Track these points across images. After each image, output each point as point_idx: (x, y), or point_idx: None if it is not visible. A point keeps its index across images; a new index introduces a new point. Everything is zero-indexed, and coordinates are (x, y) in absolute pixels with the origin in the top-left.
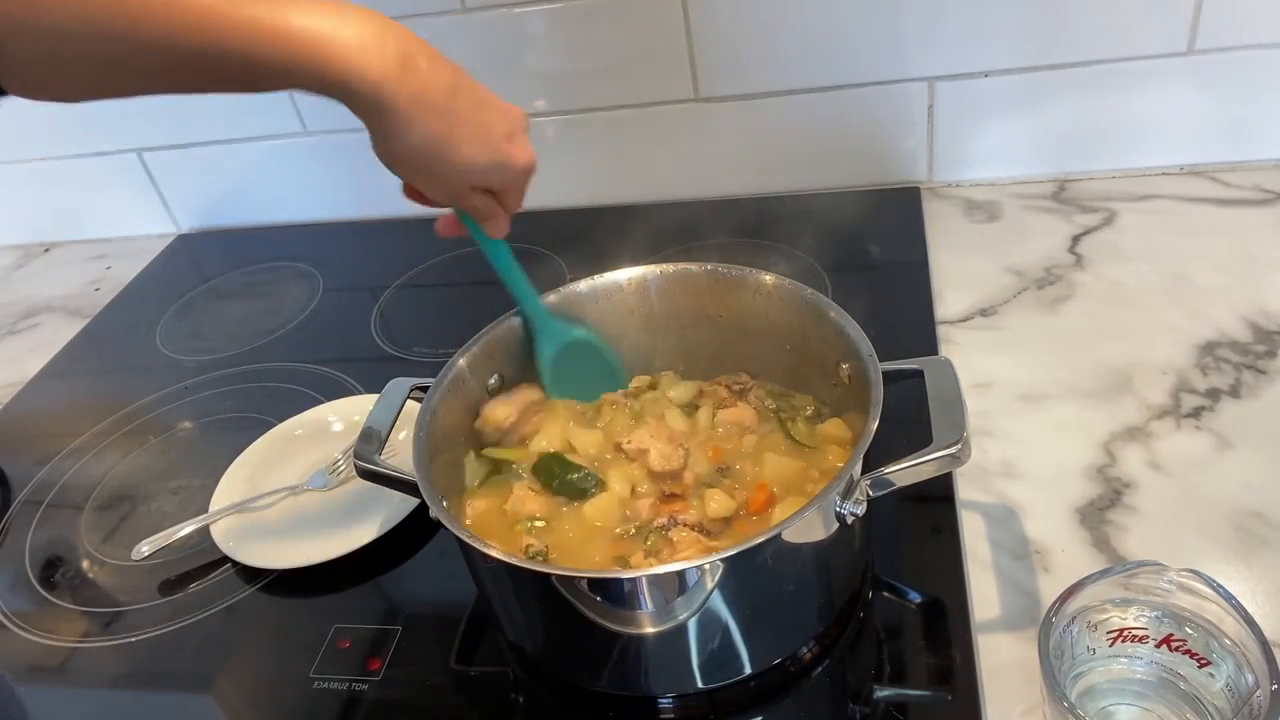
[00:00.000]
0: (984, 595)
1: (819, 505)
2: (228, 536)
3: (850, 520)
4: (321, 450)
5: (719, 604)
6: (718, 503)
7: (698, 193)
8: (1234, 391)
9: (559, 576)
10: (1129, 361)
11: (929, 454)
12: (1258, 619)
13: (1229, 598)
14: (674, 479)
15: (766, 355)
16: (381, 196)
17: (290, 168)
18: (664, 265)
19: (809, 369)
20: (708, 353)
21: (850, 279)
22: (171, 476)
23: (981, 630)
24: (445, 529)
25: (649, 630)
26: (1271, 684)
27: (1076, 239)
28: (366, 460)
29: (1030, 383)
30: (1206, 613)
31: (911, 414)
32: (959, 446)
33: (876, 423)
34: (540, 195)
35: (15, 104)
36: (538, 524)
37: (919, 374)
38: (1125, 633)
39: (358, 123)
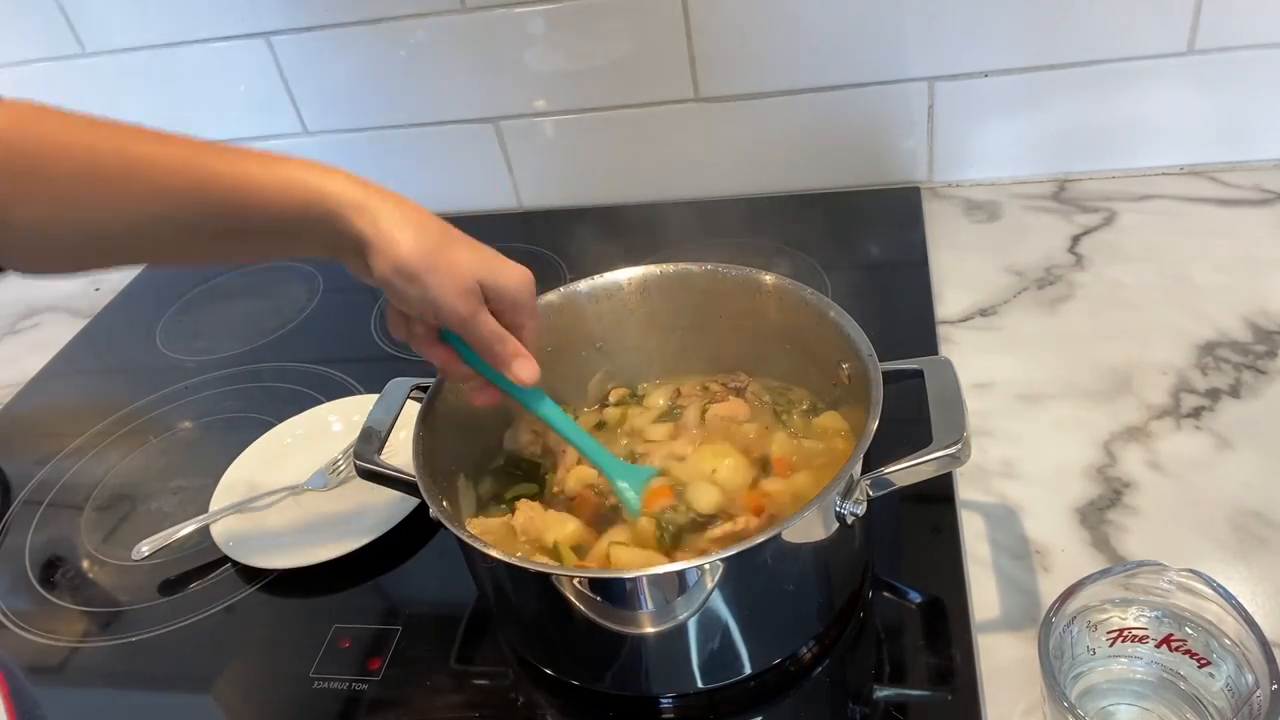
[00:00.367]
0: (984, 595)
1: (819, 505)
2: (228, 536)
3: (850, 520)
4: (321, 450)
5: (719, 604)
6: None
7: (698, 193)
8: (1234, 391)
9: (559, 576)
10: (1129, 361)
11: (929, 454)
12: (1258, 619)
13: (1229, 598)
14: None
15: (766, 355)
16: None
17: None
18: (664, 265)
19: (809, 369)
20: (708, 353)
21: (850, 279)
22: (171, 476)
23: (981, 630)
24: (445, 529)
25: (649, 630)
26: (1271, 684)
27: (1076, 239)
28: (366, 460)
29: (1030, 383)
30: (1206, 613)
31: (911, 414)
32: (959, 446)
33: (876, 423)
34: (540, 195)
35: None
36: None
37: (919, 374)
38: (1125, 633)
39: (358, 123)
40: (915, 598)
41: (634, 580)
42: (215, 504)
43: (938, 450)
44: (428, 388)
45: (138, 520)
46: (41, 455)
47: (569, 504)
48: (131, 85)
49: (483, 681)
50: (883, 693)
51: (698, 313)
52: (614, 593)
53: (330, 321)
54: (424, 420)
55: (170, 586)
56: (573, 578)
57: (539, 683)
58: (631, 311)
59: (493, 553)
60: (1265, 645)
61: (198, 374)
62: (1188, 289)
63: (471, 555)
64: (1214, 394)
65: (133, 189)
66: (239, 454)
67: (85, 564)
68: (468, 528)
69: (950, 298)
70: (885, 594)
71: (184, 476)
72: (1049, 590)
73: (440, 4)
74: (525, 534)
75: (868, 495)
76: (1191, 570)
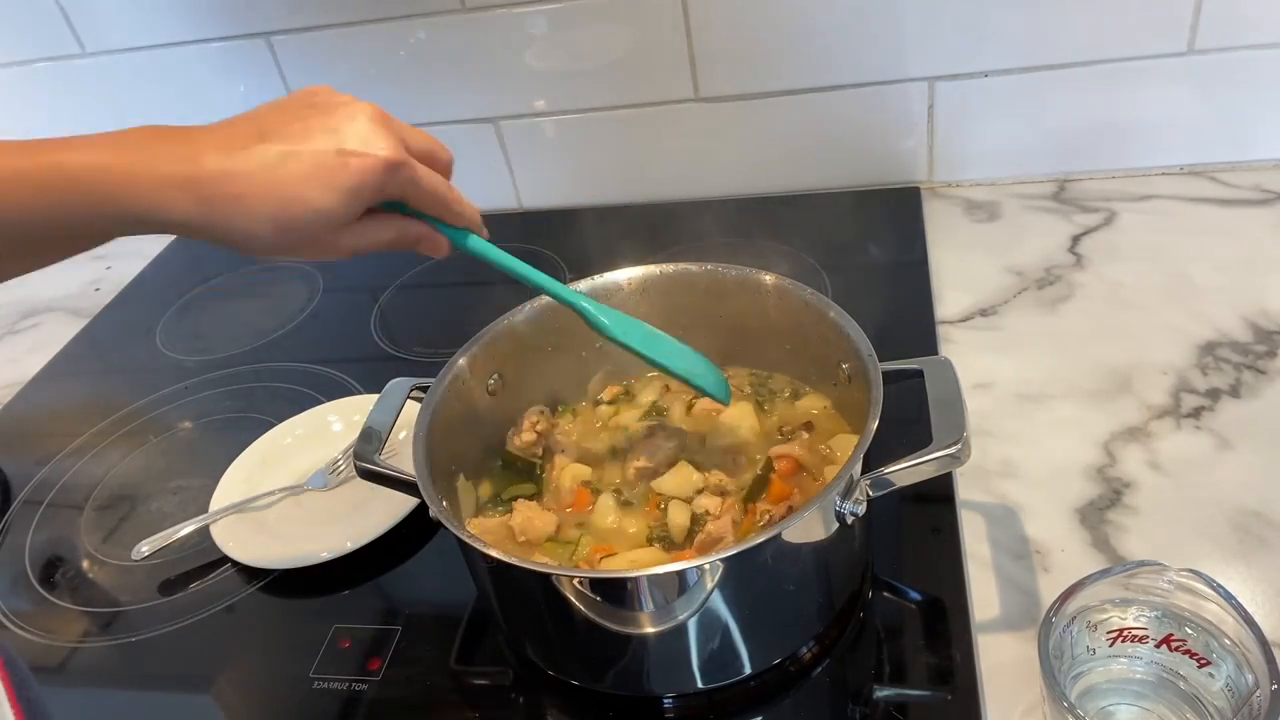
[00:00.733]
0: (984, 595)
1: (819, 505)
2: (228, 536)
3: (850, 520)
4: (321, 450)
5: (719, 604)
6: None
7: (698, 193)
8: (1234, 391)
9: (559, 576)
10: (1129, 361)
11: (929, 454)
12: (1258, 619)
13: (1229, 598)
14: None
15: (766, 355)
16: None
17: None
18: (664, 265)
19: (809, 369)
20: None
21: (850, 279)
22: (171, 476)
23: (981, 630)
24: (445, 529)
25: (649, 630)
26: (1271, 684)
27: (1076, 239)
28: (366, 460)
29: (1030, 383)
30: (1206, 613)
31: (911, 414)
32: (959, 446)
33: (876, 423)
34: (540, 195)
35: (13, 105)
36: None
37: (919, 374)
38: (1125, 633)
39: None
40: (915, 598)
41: (634, 580)
42: (215, 504)
43: (938, 450)
44: (428, 388)
45: (138, 520)
46: (41, 455)
47: (565, 499)
48: (131, 85)
49: (483, 681)
50: (883, 693)
51: (698, 313)
52: (614, 593)
53: (330, 321)
54: (424, 420)
55: (170, 586)
56: (573, 578)
57: (539, 683)
58: (631, 311)
59: (493, 553)
60: (1265, 645)
61: (198, 374)
62: (1188, 289)
63: (471, 555)
64: (1214, 394)
65: None
66: (239, 454)
67: (85, 564)
68: (468, 528)
69: (950, 298)
70: (885, 594)
71: (184, 476)
72: (1049, 590)
73: (440, 4)
74: (524, 534)
75: (868, 495)
76: (1191, 570)
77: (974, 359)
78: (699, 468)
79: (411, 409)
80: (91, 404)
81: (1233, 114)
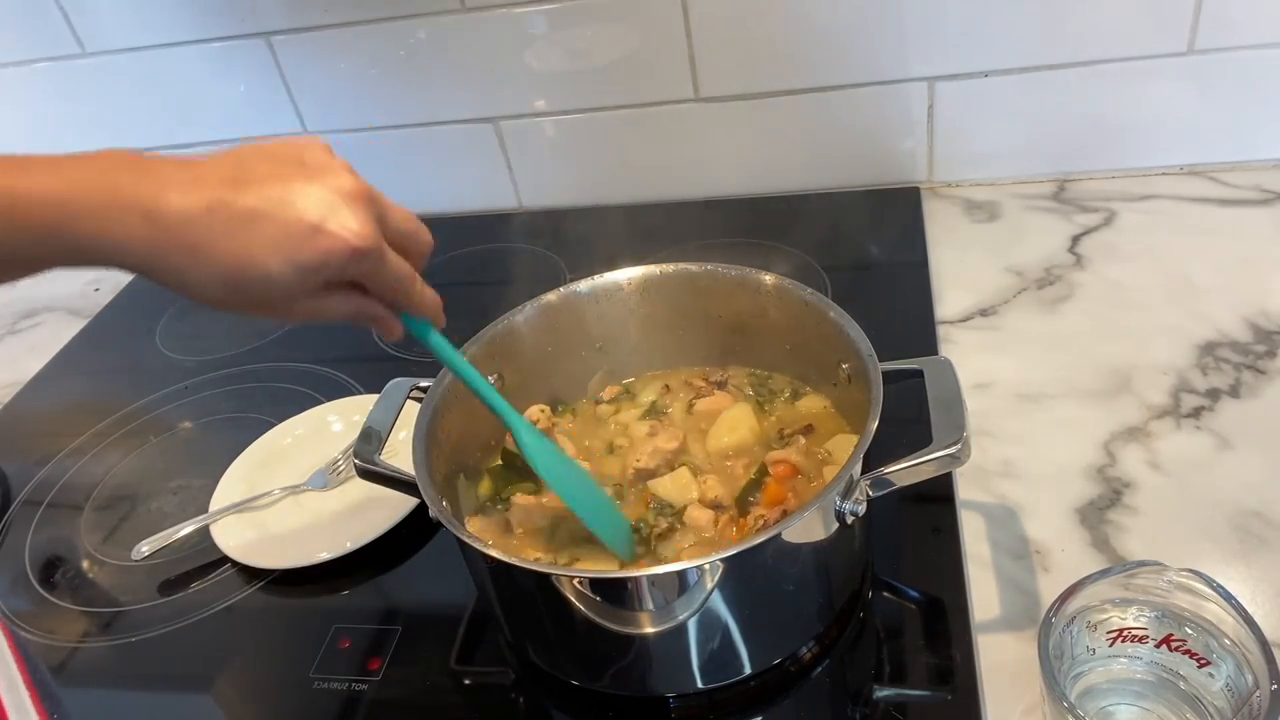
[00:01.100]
0: (984, 595)
1: (819, 505)
2: (228, 536)
3: (850, 520)
4: (321, 450)
5: (719, 604)
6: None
7: (698, 193)
8: (1234, 391)
9: (559, 576)
10: (1129, 361)
11: (929, 454)
12: (1258, 619)
13: (1229, 598)
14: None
15: (766, 355)
16: None
17: None
18: (664, 265)
19: (809, 369)
20: (708, 353)
21: (850, 279)
22: (171, 476)
23: (981, 630)
24: (445, 529)
25: (649, 630)
26: (1271, 684)
27: (1076, 239)
28: (366, 460)
29: (1030, 383)
30: (1206, 613)
31: (911, 414)
32: (959, 446)
33: (876, 423)
34: (540, 195)
35: (13, 105)
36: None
37: (919, 374)
38: (1125, 633)
39: (358, 123)
40: (915, 597)
41: (634, 580)
42: (215, 504)
43: (938, 450)
44: (428, 388)
45: (138, 520)
46: (41, 455)
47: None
48: (131, 85)
49: (483, 681)
50: (883, 693)
51: (698, 313)
52: (614, 593)
53: (330, 322)
54: (424, 420)
55: (170, 586)
56: (573, 578)
57: (539, 683)
58: (631, 311)
59: (493, 553)
60: (1265, 645)
61: (198, 374)
62: (1187, 289)
63: (471, 555)
64: (1214, 394)
65: None
66: (239, 454)
67: (85, 564)
68: (467, 528)
69: (950, 298)
70: (885, 594)
71: (184, 476)
72: (1049, 590)
73: (440, 4)
74: (522, 526)
75: (868, 495)
76: (1191, 570)
77: (974, 359)
78: (697, 471)
79: (411, 409)
80: (91, 404)
81: (1233, 114)
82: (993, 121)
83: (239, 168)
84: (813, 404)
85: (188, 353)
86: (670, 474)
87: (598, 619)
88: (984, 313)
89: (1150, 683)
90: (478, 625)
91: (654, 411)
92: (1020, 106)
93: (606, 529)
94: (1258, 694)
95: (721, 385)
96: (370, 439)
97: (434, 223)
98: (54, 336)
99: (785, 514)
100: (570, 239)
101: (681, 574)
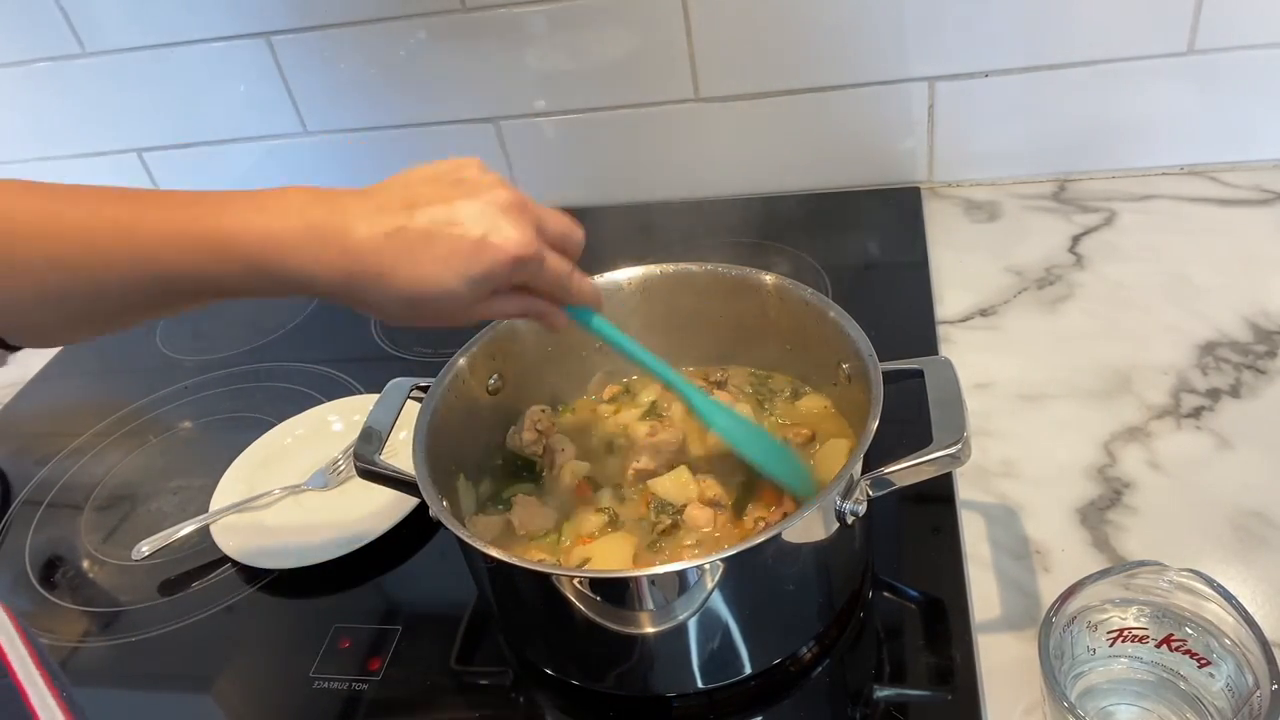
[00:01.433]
0: (984, 595)
1: (819, 505)
2: (228, 536)
3: (850, 520)
4: (321, 450)
5: (719, 604)
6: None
7: (698, 193)
8: (1234, 391)
9: (559, 576)
10: (1129, 361)
11: (929, 454)
12: (1258, 619)
13: (1229, 598)
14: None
15: (766, 355)
16: None
17: (290, 168)
18: (664, 265)
19: (809, 369)
20: (708, 353)
21: (850, 279)
22: (171, 476)
23: (981, 630)
24: (445, 529)
25: (649, 630)
26: (1271, 684)
27: (1076, 239)
28: (366, 460)
29: (1030, 383)
30: (1206, 613)
31: (911, 414)
32: (959, 446)
33: (876, 423)
34: (540, 195)
35: (12, 105)
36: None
37: (919, 374)
38: (1125, 633)
39: (358, 123)
40: (915, 597)
41: (634, 580)
42: (215, 504)
43: (938, 450)
44: (428, 388)
45: (138, 520)
46: (41, 455)
47: (565, 497)
48: (131, 85)
49: (483, 681)
50: (883, 693)
51: (698, 313)
52: (614, 593)
53: (330, 321)
54: (424, 420)
55: (170, 586)
56: (573, 578)
57: (539, 683)
58: (631, 311)
59: (493, 552)
60: (1265, 645)
61: (198, 374)
62: (1188, 289)
63: (471, 555)
64: (1214, 394)
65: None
66: (239, 454)
67: (85, 564)
68: (467, 527)
69: (950, 298)
70: (885, 594)
71: (184, 476)
72: (1049, 590)
73: (440, 4)
74: (524, 527)
75: (868, 495)
76: (1192, 570)
77: (974, 359)
78: (696, 470)
79: (411, 409)
80: (91, 404)
81: (1233, 114)
82: (993, 121)
83: (408, 192)
84: (813, 404)
85: (188, 353)
86: (669, 473)
87: (598, 619)
88: (984, 313)
89: (1150, 683)
90: (478, 625)
91: (654, 412)
92: (1020, 106)
93: (788, 475)
94: (1258, 694)
95: (722, 385)
96: (370, 439)
97: None
98: None
99: (785, 514)
100: None
101: (682, 574)
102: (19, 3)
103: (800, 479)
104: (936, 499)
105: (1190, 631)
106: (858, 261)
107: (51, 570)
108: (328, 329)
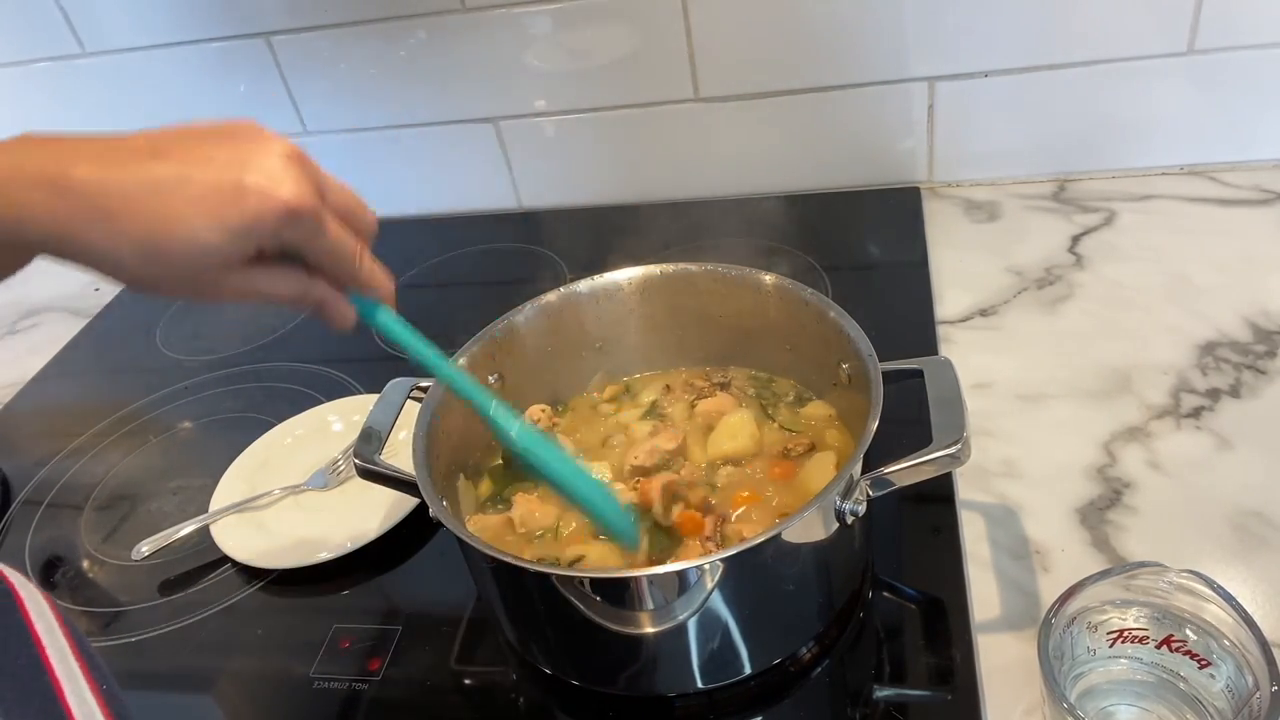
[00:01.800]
0: (984, 595)
1: (819, 505)
2: (228, 536)
3: (850, 520)
4: (321, 450)
5: (719, 604)
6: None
7: (698, 193)
8: (1234, 391)
9: (559, 576)
10: (1129, 361)
11: (929, 454)
12: (1258, 619)
13: (1229, 598)
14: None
15: (766, 355)
16: (379, 196)
17: None
18: (664, 265)
19: (809, 369)
20: (708, 353)
21: (850, 279)
22: (171, 476)
23: (981, 630)
24: (445, 529)
25: (649, 630)
26: (1272, 685)
27: (1076, 239)
28: (366, 460)
29: (1030, 383)
30: (1206, 613)
31: (911, 414)
32: (959, 446)
33: (876, 423)
34: (540, 195)
35: (12, 105)
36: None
37: (919, 374)
38: (1125, 633)
39: (358, 123)
40: (915, 597)
41: (634, 580)
42: (215, 504)
43: (938, 450)
44: (428, 388)
45: (138, 520)
46: (41, 455)
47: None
48: (131, 85)
49: (483, 681)
50: (883, 693)
51: (698, 313)
52: (614, 593)
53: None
54: (424, 420)
55: (170, 586)
56: (573, 578)
57: (539, 683)
58: (631, 311)
59: (493, 552)
60: (1265, 646)
61: (198, 374)
62: (1188, 289)
63: (471, 555)
64: (1214, 394)
65: None
66: (239, 454)
67: (85, 564)
68: (468, 527)
69: (950, 298)
70: (885, 594)
71: (184, 476)
72: (1049, 590)
73: (440, 4)
74: (524, 525)
75: (868, 495)
76: (1192, 571)
77: (974, 359)
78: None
79: (411, 409)
80: (91, 404)
81: (1233, 114)
82: (993, 121)
83: (159, 139)
84: (817, 410)
85: (188, 353)
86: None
87: (598, 619)
88: (984, 313)
89: (1150, 684)
90: (478, 625)
91: (654, 412)
92: (1020, 106)
93: (603, 512)
94: (1258, 695)
95: (724, 386)
96: (370, 439)
97: (434, 223)
98: (54, 336)
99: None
100: (570, 239)
101: (681, 574)
102: (19, 3)
103: (618, 522)
104: (936, 499)
105: (1190, 633)
106: (858, 261)
107: (51, 570)
108: (328, 329)
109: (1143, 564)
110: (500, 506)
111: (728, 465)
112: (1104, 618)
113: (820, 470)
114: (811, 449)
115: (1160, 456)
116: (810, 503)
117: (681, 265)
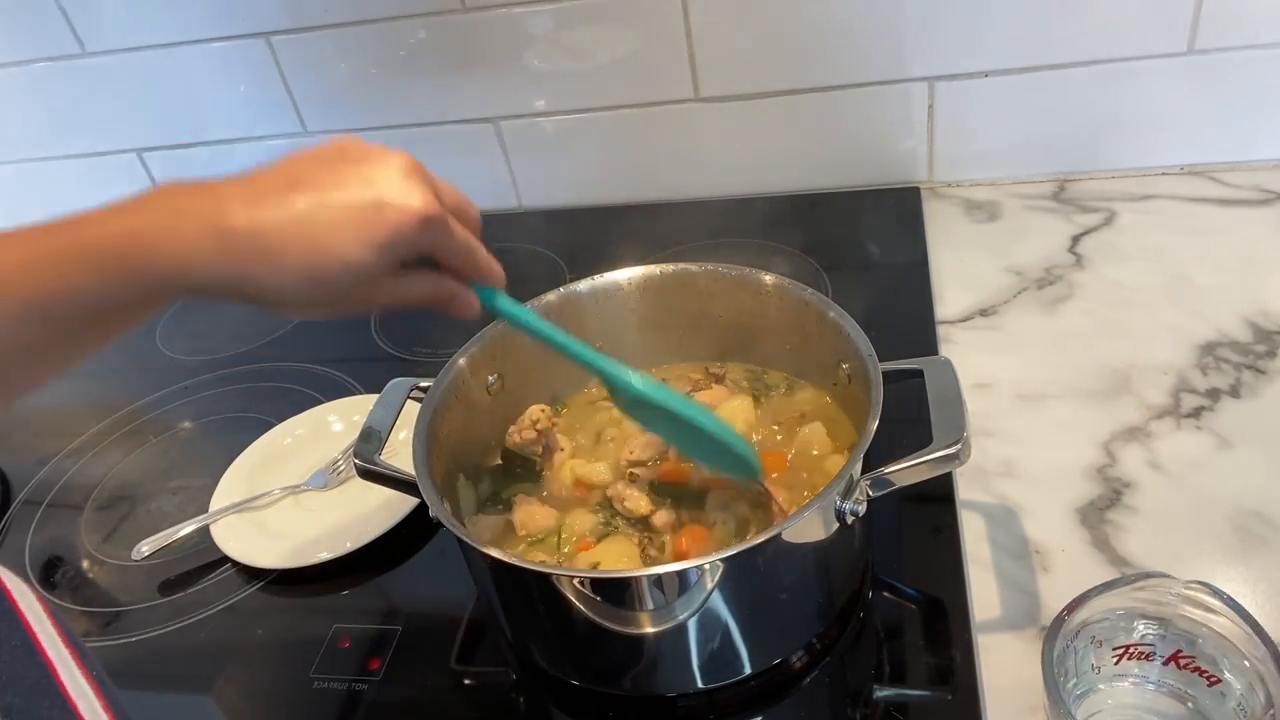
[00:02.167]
0: (984, 595)
1: (819, 505)
2: (228, 536)
3: (850, 520)
4: (321, 450)
5: (719, 604)
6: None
7: (698, 193)
8: (1234, 391)
9: (559, 576)
10: (1129, 361)
11: (929, 454)
12: (1258, 618)
13: (1239, 609)
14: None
15: (766, 355)
16: None
17: None
18: (664, 265)
19: (809, 369)
20: (707, 352)
21: (850, 279)
22: (171, 476)
23: (981, 630)
24: (445, 529)
25: (649, 630)
26: None
27: (1076, 239)
28: (366, 460)
29: (1030, 383)
30: (1216, 626)
31: (911, 414)
32: (959, 446)
33: (876, 423)
34: (540, 195)
35: (12, 104)
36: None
37: (919, 374)
38: (1131, 649)
39: (358, 123)
40: (915, 597)
41: (634, 580)
42: (215, 504)
43: (938, 450)
44: (428, 388)
45: (138, 520)
46: (41, 455)
47: (565, 497)
48: (131, 85)
49: (483, 681)
50: (883, 693)
51: (698, 313)
52: (614, 593)
53: (330, 321)
54: (424, 420)
55: (170, 586)
56: (573, 578)
57: (539, 683)
58: (631, 311)
59: (493, 552)
60: (1279, 660)
61: (198, 374)
62: (1188, 289)
63: (471, 555)
64: (1214, 394)
65: None
66: (239, 454)
67: (85, 564)
68: (467, 527)
69: (950, 298)
70: (885, 594)
71: (184, 476)
72: (1049, 590)
73: (440, 4)
74: (524, 528)
75: (868, 495)
76: (1200, 582)
77: (974, 359)
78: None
79: (411, 409)
80: (91, 404)
81: (1233, 114)
82: (993, 121)
83: (290, 171)
84: (808, 396)
85: (188, 353)
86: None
87: (598, 619)
88: (984, 313)
89: (1159, 702)
90: (478, 625)
91: None
92: (1020, 106)
93: (733, 444)
94: (1271, 712)
95: (720, 379)
96: (370, 439)
97: None
98: None
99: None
100: (570, 239)
101: (682, 574)
102: (19, 3)
103: (744, 451)
104: (936, 499)
105: (1199, 648)
106: (858, 261)
107: (51, 570)
108: (328, 329)
109: (1149, 574)
110: (500, 507)
111: None
112: (1109, 633)
113: (815, 436)
114: (802, 417)
115: (1160, 456)
116: (810, 503)
117: (681, 265)
